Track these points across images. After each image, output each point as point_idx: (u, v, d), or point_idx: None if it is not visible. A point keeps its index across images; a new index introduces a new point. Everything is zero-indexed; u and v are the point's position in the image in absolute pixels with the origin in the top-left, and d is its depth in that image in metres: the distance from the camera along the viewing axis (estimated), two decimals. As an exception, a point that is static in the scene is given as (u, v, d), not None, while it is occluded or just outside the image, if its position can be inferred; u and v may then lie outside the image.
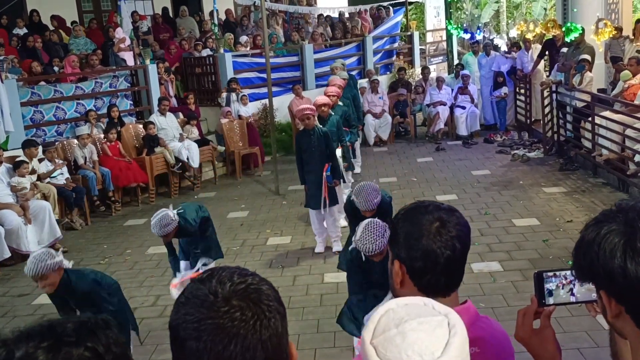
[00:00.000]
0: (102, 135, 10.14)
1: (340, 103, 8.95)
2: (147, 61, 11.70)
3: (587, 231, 1.24)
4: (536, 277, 1.57)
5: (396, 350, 1.16)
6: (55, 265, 4.05)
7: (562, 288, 1.55)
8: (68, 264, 4.19)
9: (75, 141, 9.69)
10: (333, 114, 7.93)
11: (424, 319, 1.20)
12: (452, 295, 1.67)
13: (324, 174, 7.01)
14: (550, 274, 1.56)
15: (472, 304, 1.69)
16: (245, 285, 1.18)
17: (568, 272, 1.52)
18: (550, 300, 1.56)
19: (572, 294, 1.55)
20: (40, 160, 8.88)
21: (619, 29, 11.08)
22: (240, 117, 11.88)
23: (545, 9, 20.81)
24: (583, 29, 10.80)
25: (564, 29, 11.27)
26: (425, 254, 1.62)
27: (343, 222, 7.54)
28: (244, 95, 12.13)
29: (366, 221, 3.99)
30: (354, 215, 5.24)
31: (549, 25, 11.72)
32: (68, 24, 13.33)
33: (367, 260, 4.06)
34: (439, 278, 1.63)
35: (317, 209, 7.17)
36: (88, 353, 1.04)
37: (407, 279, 1.65)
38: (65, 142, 9.79)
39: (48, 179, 8.75)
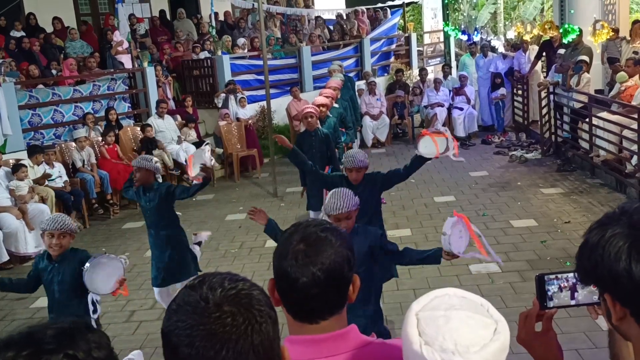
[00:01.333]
0: (100, 138, 10.14)
1: (336, 105, 8.96)
2: (145, 64, 11.70)
3: (591, 234, 1.24)
4: (537, 280, 1.57)
5: (436, 329, 1.21)
6: (75, 229, 4.31)
7: (564, 291, 1.56)
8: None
9: (73, 144, 9.68)
10: (330, 115, 7.95)
11: (474, 314, 1.24)
12: (324, 323, 1.54)
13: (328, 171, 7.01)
14: (552, 276, 1.57)
15: (358, 331, 1.58)
16: (236, 291, 1.18)
17: (570, 275, 1.53)
18: (552, 303, 1.56)
19: (574, 297, 1.55)
20: (38, 164, 8.87)
21: (616, 30, 11.11)
22: (238, 119, 11.89)
23: (542, 9, 20.87)
24: (581, 30, 10.82)
25: (561, 31, 11.30)
26: (283, 275, 1.53)
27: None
28: (243, 97, 12.13)
29: (334, 189, 3.88)
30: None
31: (546, 26, 11.76)
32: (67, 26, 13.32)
33: None
34: (298, 303, 1.54)
35: (318, 210, 7.17)
36: None
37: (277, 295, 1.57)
38: (63, 145, 9.79)
39: (46, 182, 8.74)
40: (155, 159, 5.61)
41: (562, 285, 1.56)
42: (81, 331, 1.10)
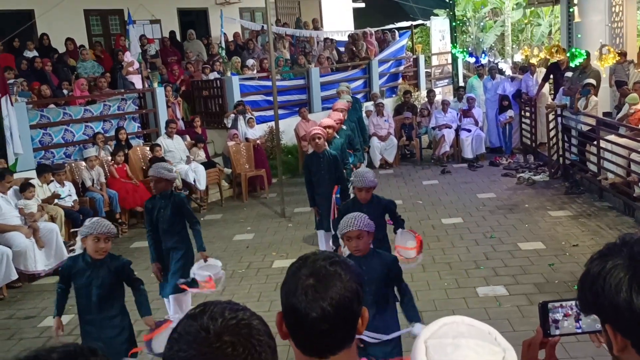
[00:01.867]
0: (109, 158, 10.21)
1: (344, 127, 9.00)
2: (155, 84, 11.82)
3: (592, 264, 1.26)
4: (541, 308, 1.59)
5: (444, 357, 1.23)
6: (114, 234, 4.47)
7: (568, 318, 1.57)
8: None
9: (83, 163, 9.76)
10: (337, 137, 7.98)
11: (482, 342, 1.25)
12: (333, 358, 1.53)
13: (333, 196, 7.04)
14: (557, 304, 1.58)
15: None
16: (237, 321, 1.21)
17: (573, 303, 1.54)
18: (556, 331, 1.57)
19: (578, 325, 1.56)
20: (49, 182, 8.94)
21: (624, 54, 11.15)
22: (247, 139, 11.95)
23: (550, 32, 20.94)
24: (588, 53, 10.86)
25: (568, 54, 11.35)
26: (292, 311, 1.52)
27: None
28: (251, 117, 12.21)
29: (349, 214, 4.05)
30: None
31: (553, 50, 11.80)
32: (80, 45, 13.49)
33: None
34: (307, 338, 1.53)
35: (329, 231, 7.18)
36: None
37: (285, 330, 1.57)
38: (73, 164, 9.87)
39: (56, 201, 8.80)
40: (172, 167, 5.88)
41: (566, 313, 1.57)
42: (85, 355, 1.12)
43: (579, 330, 1.57)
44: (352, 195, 7.86)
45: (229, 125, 12.09)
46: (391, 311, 4.09)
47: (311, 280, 1.50)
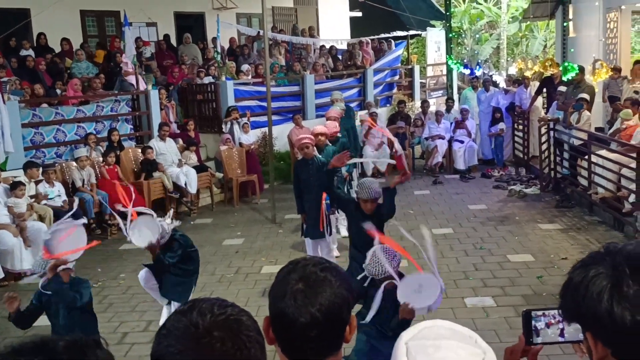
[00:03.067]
0: (100, 159, 10.17)
1: (339, 135, 8.98)
2: (149, 87, 11.79)
3: (574, 273, 1.26)
4: (524, 316, 1.59)
5: (425, 358, 1.23)
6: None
7: (550, 327, 1.57)
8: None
9: (74, 163, 9.72)
10: (329, 144, 7.96)
11: (462, 344, 1.26)
12: None
13: (323, 202, 7.03)
14: (539, 313, 1.58)
15: None
16: (225, 317, 1.20)
17: (556, 312, 1.54)
18: (538, 339, 1.57)
19: (561, 334, 1.56)
20: (38, 182, 8.89)
21: (618, 70, 11.23)
22: (241, 144, 11.94)
23: (545, 46, 21.06)
24: (582, 68, 10.93)
25: (561, 68, 11.41)
26: (280, 315, 1.49)
27: (336, 252, 7.71)
28: (246, 123, 12.20)
29: (374, 247, 4.01)
30: (356, 218, 5.33)
31: (547, 64, 11.88)
32: (75, 47, 13.46)
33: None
34: (294, 344, 1.51)
35: (316, 238, 7.16)
36: None
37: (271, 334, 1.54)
38: (64, 164, 9.82)
39: (45, 201, 8.75)
40: (156, 223, 5.27)
41: (549, 322, 1.57)
42: (91, 346, 1.13)
43: (561, 339, 1.57)
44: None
45: (226, 131, 12.08)
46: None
47: (301, 285, 1.48)
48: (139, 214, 5.29)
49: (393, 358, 1.30)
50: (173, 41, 16.11)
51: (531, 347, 1.58)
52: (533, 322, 1.57)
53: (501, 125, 13.30)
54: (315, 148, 7.19)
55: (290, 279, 1.50)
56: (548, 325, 1.56)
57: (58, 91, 11.40)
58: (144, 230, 5.19)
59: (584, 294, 1.20)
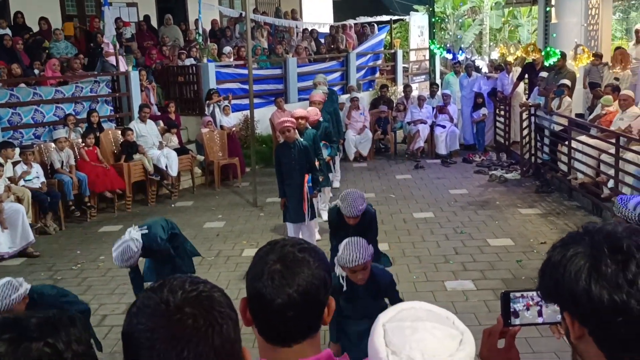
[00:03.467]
0: (80, 140, 10.05)
1: (320, 119, 8.96)
2: (130, 68, 11.64)
3: (553, 252, 1.25)
4: (503, 297, 1.58)
5: (402, 339, 1.23)
6: (20, 297, 3.85)
7: (529, 309, 1.56)
8: (27, 287, 3.98)
9: (53, 145, 9.60)
10: (309, 127, 7.92)
11: (440, 326, 1.26)
12: (297, 347, 1.49)
13: (305, 185, 7.00)
14: (518, 294, 1.57)
15: (332, 356, 1.53)
16: (197, 293, 1.18)
17: (535, 293, 1.53)
18: (516, 321, 1.56)
19: (540, 315, 1.56)
20: (15, 163, 8.77)
21: (599, 56, 11.28)
22: (222, 127, 11.87)
23: (533, 31, 21.12)
24: (564, 54, 10.97)
25: (543, 53, 11.45)
26: (257, 296, 1.47)
27: (318, 236, 7.68)
28: (227, 105, 12.12)
29: (347, 239, 3.90)
30: (338, 225, 5.23)
31: (529, 49, 11.90)
32: (54, 27, 13.22)
33: (350, 288, 3.96)
34: (271, 325, 1.48)
35: (297, 222, 7.14)
36: (47, 349, 1.06)
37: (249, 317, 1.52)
38: (42, 146, 9.69)
39: (22, 182, 8.64)
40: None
41: (528, 303, 1.57)
42: (64, 323, 1.11)
43: (540, 321, 1.56)
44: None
45: (209, 113, 11.99)
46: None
47: (278, 266, 1.46)
48: None
49: (370, 340, 1.29)
50: (154, 22, 15.89)
51: (509, 328, 1.58)
52: (511, 304, 1.57)
53: (483, 111, 13.34)
54: (297, 132, 7.15)
55: (268, 259, 1.48)
56: (526, 306, 1.56)
57: (36, 71, 11.23)
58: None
59: (563, 273, 1.20)
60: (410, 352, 1.20)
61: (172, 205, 10.30)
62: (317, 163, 7.54)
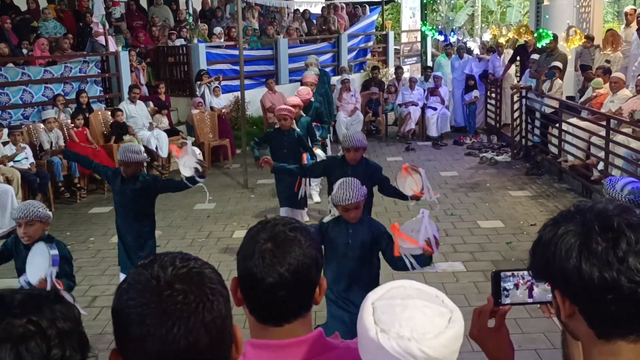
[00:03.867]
0: (69, 121, 9.98)
1: (312, 99, 8.92)
2: (119, 48, 11.54)
3: (544, 231, 1.25)
4: (493, 277, 1.59)
5: (392, 317, 1.23)
6: (45, 216, 4.00)
7: (519, 288, 1.57)
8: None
9: (42, 125, 9.52)
10: (303, 115, 7.87)
11: (429, 304, 1.27)
12: (288, 326, 1.49)
13: (305, 162, 6.93)
14: (509, 273, 1.58)
15: (323, 336, 1.52)
16: (188, 269, 1.18)
17: (525, 272, 1.54)
18: (507, 300, 1.57)
19: (530, 295, 1.56)
20: (4, 144, 8.70)
21: (591, 38, 11.26)
22: (212, 108, 11.80)
23: (525, 13, 21.05)
24: (556, 36, 10.95)
25: (535, 35, 11.42)
26: (248, 275, 1.46)
27: (306, 217, 7.74)
28: (217, 86, 12.05)
29: (342, 179, 3.93)
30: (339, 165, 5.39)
31: (521, 30, 11.87)
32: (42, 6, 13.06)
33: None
34: (262, 304, 1.48)
35: (294, 207, 7.11)
36: (31, 326, 1.05)
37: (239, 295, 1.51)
38: (31, 126, 9.61)
39: (12, 163, 8.58)
40: (141, 147, 5.40)
41: (518, 282, 1.57)
42: (49, 300, 1.11)
43: (530, 300, 1.57)
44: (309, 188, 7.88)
45: (200, 94, 11.92)
46: (373, 284, 3.87)
47: (269, 245, 1.46)
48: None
49: (359, 318, 1.29)
50: (143, 2, 15.73)
51: (499, 308, 1.58)
52: (502, 283, 1.57)
53: (475, 93, 13.34)
54: (294, 121, 7.10)
55: (259, 238, 1.48)
56: (517, 286, 1.56)
57: (25, 51, 11.10)
58: (187, 161, 5.18)
59: (553, 251, 1.20)
60: (400, 329, 1.21)
61: (163, 187, 10.25)
62: (315, 149, 7.44)
